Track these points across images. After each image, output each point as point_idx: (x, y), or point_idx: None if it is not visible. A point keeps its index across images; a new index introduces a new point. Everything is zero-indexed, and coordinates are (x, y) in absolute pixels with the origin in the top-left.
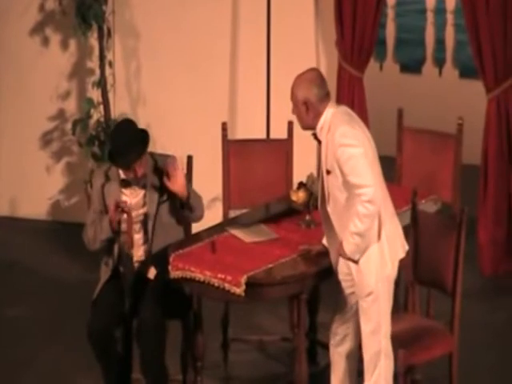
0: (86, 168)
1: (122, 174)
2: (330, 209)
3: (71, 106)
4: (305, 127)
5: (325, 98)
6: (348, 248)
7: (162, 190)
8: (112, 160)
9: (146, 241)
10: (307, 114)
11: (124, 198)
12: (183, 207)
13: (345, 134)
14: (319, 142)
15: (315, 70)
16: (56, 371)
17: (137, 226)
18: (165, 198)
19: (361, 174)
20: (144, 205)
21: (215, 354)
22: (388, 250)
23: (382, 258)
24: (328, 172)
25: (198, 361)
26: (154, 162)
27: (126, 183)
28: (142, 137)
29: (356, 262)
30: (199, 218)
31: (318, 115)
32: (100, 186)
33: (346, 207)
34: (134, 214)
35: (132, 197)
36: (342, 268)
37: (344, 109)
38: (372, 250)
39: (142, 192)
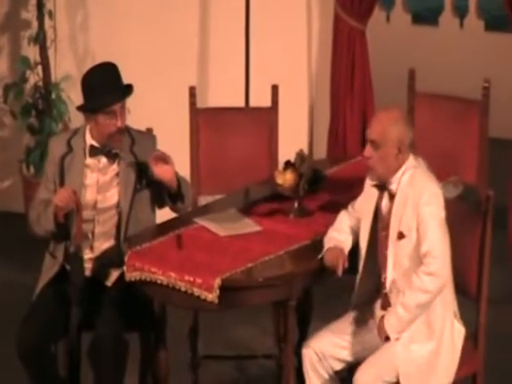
0: (20, 144)
1: (91, 139)
2: (389, 283)
3: (2, 68)
4: (383, 175)
5: (411, 144)
6: (388, 321)
7: (140, 173)
8: (89, 101)
9: (111, 236)
10: (396, 158)
11: (90, 174)
12: (172, 198)
13: (436, 194)
14: (391, 195)
15: (402, 111)
16: None
17: (101, 217)
18: (143, 183)
19: (433, 243)
20: (116, 186)
21: (182, 375)
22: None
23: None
24: (401, 236)
25: (161, 383)
26: (130, 140)
27: (95, 151)
28: (124, 84)
29: (387, 339)
30: (187, 208)
31: (403, 163)
32: (59, 158)
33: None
34: (100, 197)
35: (101, 174)
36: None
37: (420, 160)
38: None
39: (114, 170)
